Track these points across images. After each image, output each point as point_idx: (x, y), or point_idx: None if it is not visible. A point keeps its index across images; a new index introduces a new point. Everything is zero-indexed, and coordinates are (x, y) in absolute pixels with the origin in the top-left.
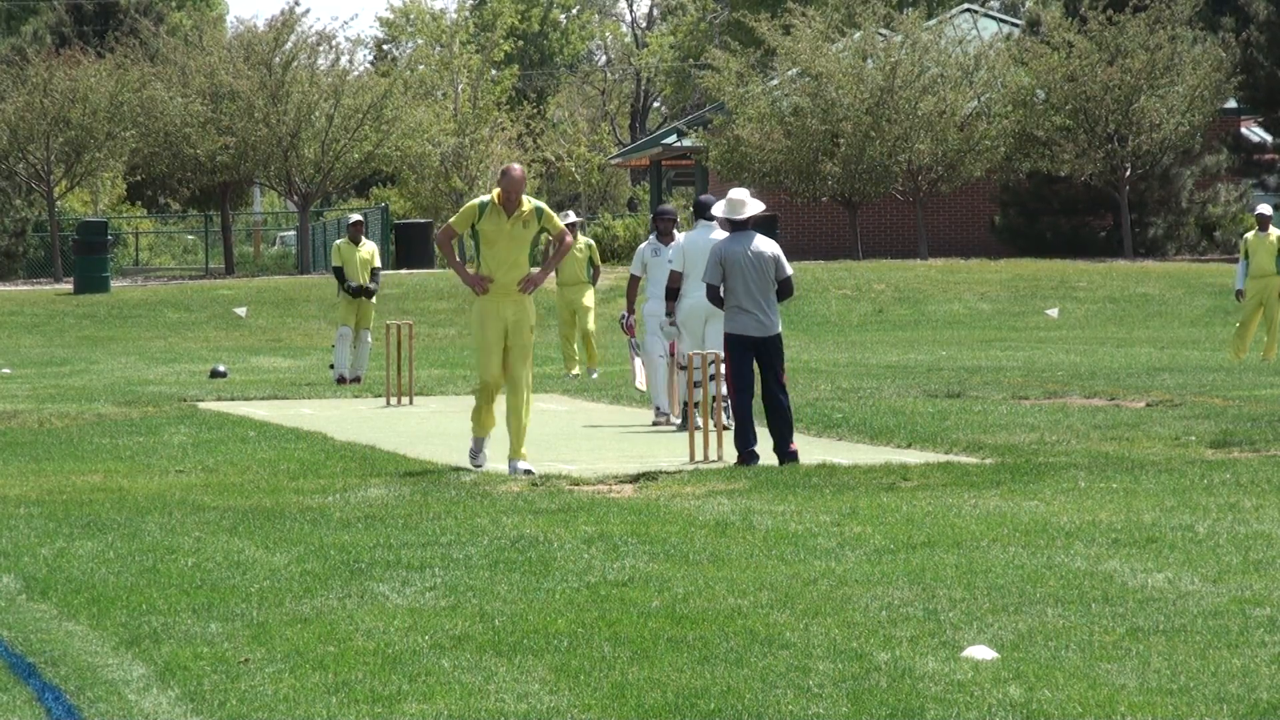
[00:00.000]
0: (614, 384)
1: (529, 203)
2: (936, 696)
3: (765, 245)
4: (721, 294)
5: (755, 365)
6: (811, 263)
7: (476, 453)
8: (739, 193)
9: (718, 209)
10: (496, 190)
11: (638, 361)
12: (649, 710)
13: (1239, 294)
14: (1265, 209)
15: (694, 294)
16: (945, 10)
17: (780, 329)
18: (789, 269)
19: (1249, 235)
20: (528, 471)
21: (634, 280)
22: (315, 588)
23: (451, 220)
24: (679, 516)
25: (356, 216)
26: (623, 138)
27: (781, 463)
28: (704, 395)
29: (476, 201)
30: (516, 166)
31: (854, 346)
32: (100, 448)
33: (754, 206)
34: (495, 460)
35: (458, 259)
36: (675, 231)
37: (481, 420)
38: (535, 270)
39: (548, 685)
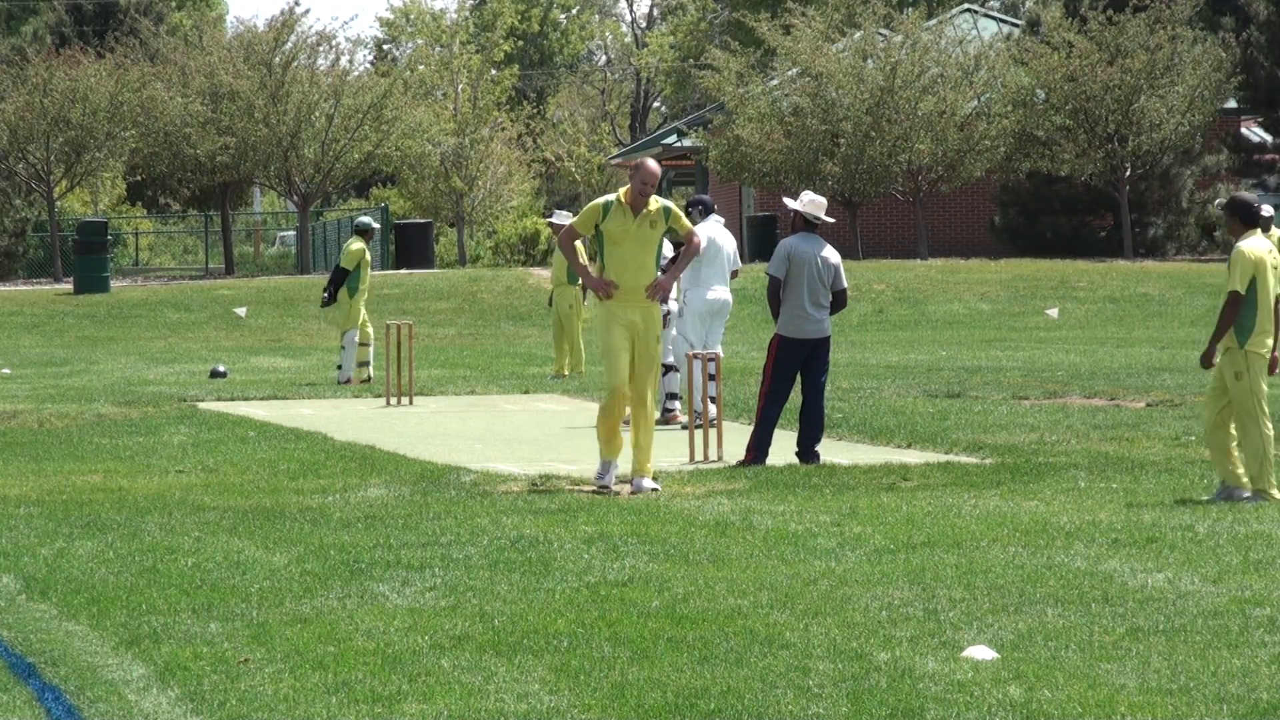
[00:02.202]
0: None
1: (656, 202)
2: (936, 696)
3: (831, 253)
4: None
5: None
6: None
7: (604, 474)
8: (818, 196)
9: (794, 205)
10: (623, 188)
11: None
12: (649, 710)
13: None
14: (1267, 209)
15: (713, 286)
16: (945, 10)
17: (830, 332)
18: (845, 281)
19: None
20: (655, 490)
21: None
22: (315, 588)
23: (574, 220)
24: (679, 516)
25: (376, 225)
26: (623, 138)
27: (804, 463)
28: (703, 393)
29: (601, 201)
30: (651, 160)
31: (854, 346)
32: (100, 448)
33: (826, 218)
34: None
35: (581, 261)
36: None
37: (610, 434)
38: (662, 275)
39: (548, 685)
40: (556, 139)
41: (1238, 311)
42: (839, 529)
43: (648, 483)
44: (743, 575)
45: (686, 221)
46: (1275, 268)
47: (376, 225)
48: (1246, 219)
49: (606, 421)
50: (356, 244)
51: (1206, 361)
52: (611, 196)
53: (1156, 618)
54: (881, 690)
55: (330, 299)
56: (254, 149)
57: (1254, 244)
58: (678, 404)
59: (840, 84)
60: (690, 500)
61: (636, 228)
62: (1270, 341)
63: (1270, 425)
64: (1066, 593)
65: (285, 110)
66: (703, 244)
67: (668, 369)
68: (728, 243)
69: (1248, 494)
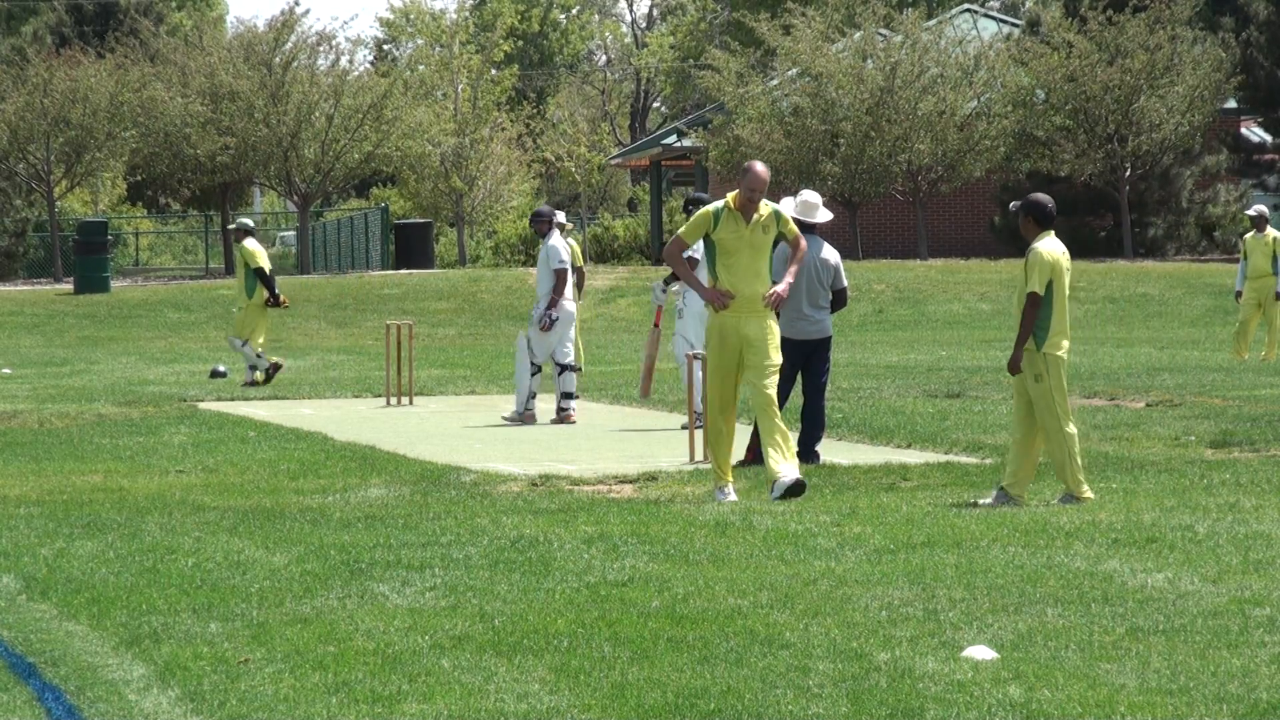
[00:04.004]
0: (614, 384)
1: (767, 206)
2: (936, 696)
3: (830, 254)
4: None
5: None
6: None
7: (722, 490)
8: (813, 195)
9: (789, 207)
10: (732, 194)
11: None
12: (649, 710)
13: (1238, 295)
14: (1261, 209)
15: None
16: (945, 10)
17: (831, 332)
18: (845, 280)
19: (1247, 236)
20: (800, 481)
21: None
22: (315, 588)
23: (681, 231)
24: (679, 516)
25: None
26: (623, 138)
27: (804, 463)
28: (703, 394)
29: (710, 208)
30: (760, 164)
31: (854, 346)
32: (100, 448)
33: (824, 214)
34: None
35: (691, 272)
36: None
37: (721, 456)
38: (779, 285)
39: (548, 685)
40: (556, 139)
41: (1037, 313)
42: (839, 529)
43: (787, 475)
44: (743, 575)
45: (794, 225)
46: (1068, 270)
47: (250, 223)
48: (1041, 220)
49: (714, 442)
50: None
51: (1014, 368)
52: (720, 203)
53: (1156, 618)
54: (881, 690)
55: (276, 300)
56: (254, 149)
57: (1049, 245)
58: (573, 404)
59: (840, 84)
60: (690, 500)
61: (750, 234)
62: (1066, 343)
63: (1073, 425)
64: (1066, 593)
65: (285, 110)
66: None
67: (564, 368)
68: None
69: (1018, 502)
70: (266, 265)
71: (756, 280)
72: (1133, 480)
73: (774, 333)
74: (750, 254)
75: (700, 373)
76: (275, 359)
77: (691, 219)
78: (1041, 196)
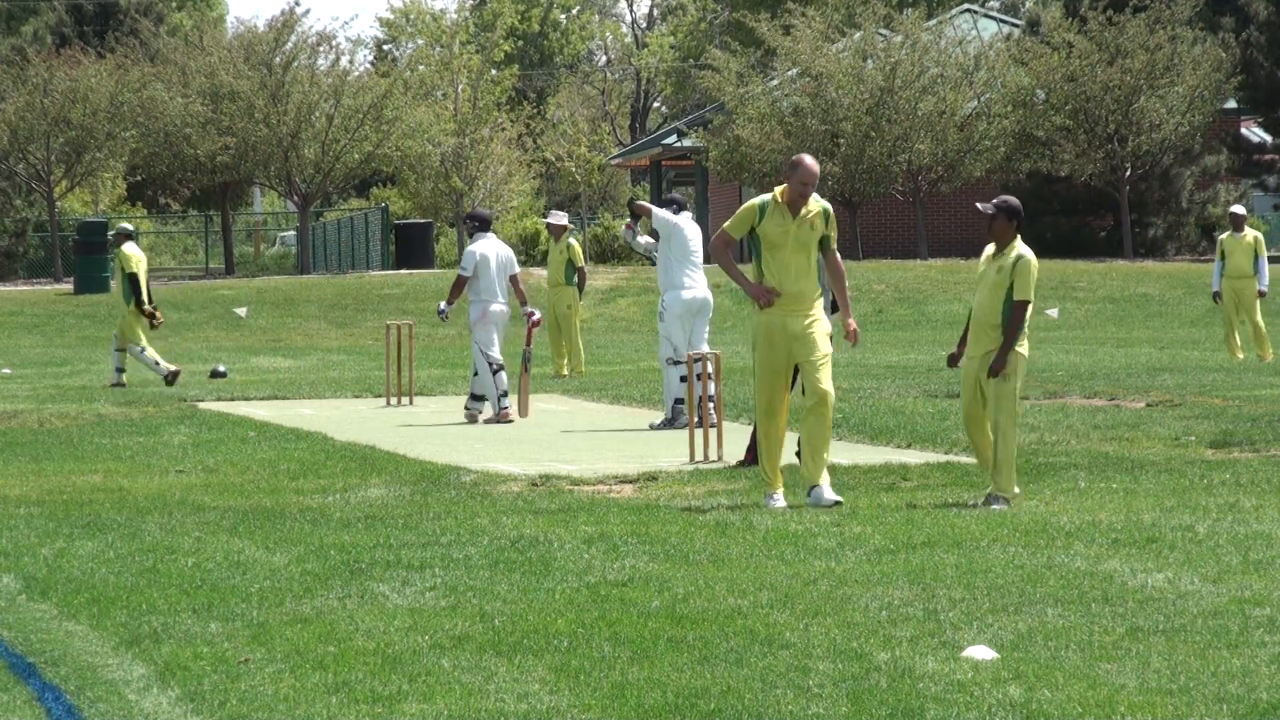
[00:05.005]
0: (614, 384)
1: (817, 203)
2: (936, 696)
3: None
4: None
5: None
6: None
7: (771, 497)
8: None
9: None
10: (780, 188)
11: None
12: (649, 710)
13: (1215, 296)
14: (1239, 209)
15: (689, 286)
16: (945, 10)
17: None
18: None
19: (1224, 236)
20: (836, 502)
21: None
22: (315, 588)
23: (726, 225)
24: (679, 516)
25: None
26: (623, 138)
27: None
28: (702, 394)
29: (756, 201)
30: (809, 157)
31: (854, 346)
32: (100, 448)
33: None
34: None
35: (737, 268)
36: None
37: (772, 459)
38: (852, 321)
39: (548, 685)
40: (556, 139)
41: (1025, 320)
42: (839, 529)
43: (829, 496)
44: (743, 575)
45: (835, 235)
46: None
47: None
48: (1020, 222)
49: (765, 445)
50: (135, 251)
51: (996, 371)
52: (766, 197)
53: (1156, 618)
54: (881, 690)
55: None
56: (254, 149)
57: (1030, 251)
58: (480, 405)
59: (840, 84)
60: (690, 500)
61: (796, 229)
62: (1027, 341)
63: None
64: (1066, 593)
65: (285, 110)
66: (686, 236)
67: (500, 367)
68: (695, 236)
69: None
70: (141, 272)
71: (802, 277)
72: (1133, 480)
73: (821, 325)
74: (796, 250)
75: (675, 376)
76: (173, 367)
77: (737, 212)
78: (1014, 199)
